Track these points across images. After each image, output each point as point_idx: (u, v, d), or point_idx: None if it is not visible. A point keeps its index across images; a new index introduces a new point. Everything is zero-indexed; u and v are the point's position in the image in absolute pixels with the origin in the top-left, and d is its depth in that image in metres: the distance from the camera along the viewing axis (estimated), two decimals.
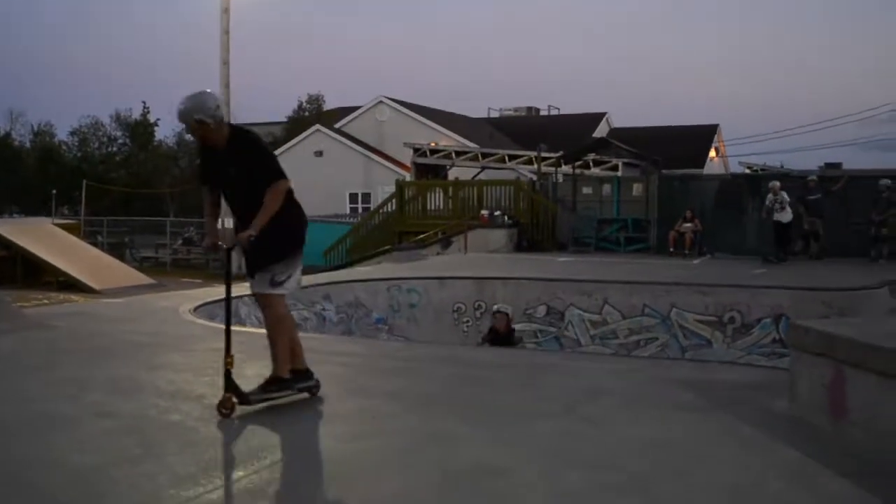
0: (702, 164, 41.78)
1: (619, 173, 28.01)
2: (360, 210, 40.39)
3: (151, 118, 55.56)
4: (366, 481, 4.37)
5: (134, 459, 4.59)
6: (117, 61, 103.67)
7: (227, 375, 5.43)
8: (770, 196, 19.28)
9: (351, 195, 42.45)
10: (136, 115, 55.64)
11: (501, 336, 11.22)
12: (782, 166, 37.22)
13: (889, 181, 19.95)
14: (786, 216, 19.05)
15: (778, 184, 19.48)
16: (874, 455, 4.66)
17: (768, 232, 19.85)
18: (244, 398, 5.47)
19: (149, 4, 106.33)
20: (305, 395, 5.94)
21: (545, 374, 7.34)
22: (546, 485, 4.30)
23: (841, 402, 5.03)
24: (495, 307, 12.10)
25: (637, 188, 24.89)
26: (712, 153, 46.01)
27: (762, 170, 34.29)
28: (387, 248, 25.23)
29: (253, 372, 6.19)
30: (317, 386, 6.03)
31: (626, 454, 4.82)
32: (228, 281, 5.78)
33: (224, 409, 5.39)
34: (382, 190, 37.62)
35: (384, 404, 6.00)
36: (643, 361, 10.23)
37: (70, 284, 24.10)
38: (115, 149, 57.22)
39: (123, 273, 26.80)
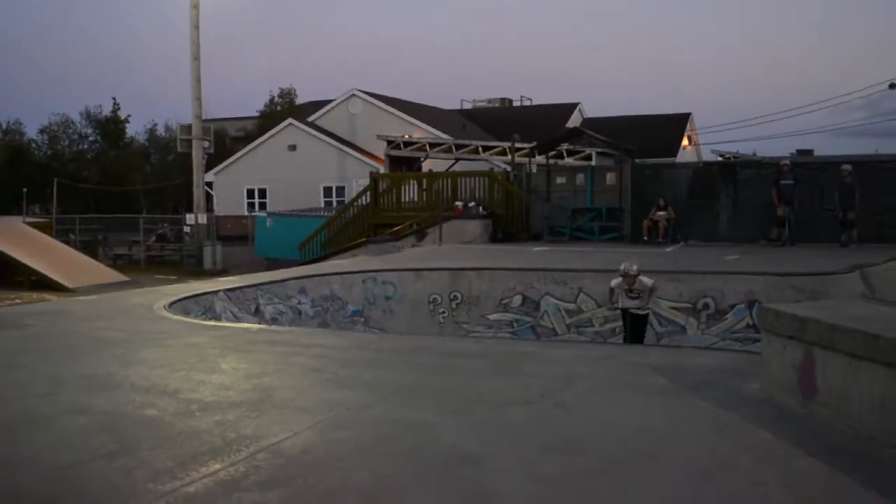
0: (675, 153, 42.03)
1: (593, 163, 28.16)
2: (334, 203, 40.27)
3: (122, 115, 55.21)
4: (339, 470, 4.38)
5: (110, 455, 4.58)
6: (87, 58, 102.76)
7: None
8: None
9: (325, 189, 42.31)
10: (107, 111, 55.28)
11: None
12: (755, 154, 37.49)
13: (850, 166, 20.19)
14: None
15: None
16: (843, 435, 4.74)
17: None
18: None
19: (118, 1, 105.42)
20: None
21: (521, 362, 7.38)
22: (521, 470, 4.33)
23: (811, 383, 5.11)
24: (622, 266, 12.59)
25: (610, 177, 25.00)
26: (685, 142, 46.25)
27: (735, 157, 34.50)
28: (362, 240, 25.26)
29: (228, 366, 6.20)
30: None
31: (600, 438, 4.87)
32: None
33: None
34: (356, 183, 37.57)
35: (359, 395, 6.02)
36: (618, 348, 10.31)
37: (43, 283, 23.90)
38: (85, 146, 56.85)
39: (96, 271, 26.64)
